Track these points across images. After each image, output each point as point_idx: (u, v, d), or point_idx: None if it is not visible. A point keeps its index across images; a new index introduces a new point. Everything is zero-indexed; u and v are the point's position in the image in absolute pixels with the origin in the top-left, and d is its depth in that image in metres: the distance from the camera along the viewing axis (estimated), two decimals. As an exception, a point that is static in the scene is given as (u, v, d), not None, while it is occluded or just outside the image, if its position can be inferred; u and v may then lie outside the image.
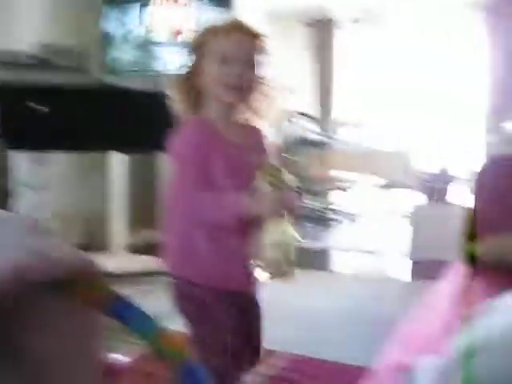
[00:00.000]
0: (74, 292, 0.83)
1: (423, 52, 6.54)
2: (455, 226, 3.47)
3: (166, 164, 4.96)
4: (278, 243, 1.36)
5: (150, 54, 3.25)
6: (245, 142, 1.43)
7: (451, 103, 6.64)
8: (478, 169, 1.81)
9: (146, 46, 3.23)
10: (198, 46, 1.43)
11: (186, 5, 3.21)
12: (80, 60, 3.06)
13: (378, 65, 6.43)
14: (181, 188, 1.39)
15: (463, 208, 1.81)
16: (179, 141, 1.41)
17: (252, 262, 1.43)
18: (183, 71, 1.47)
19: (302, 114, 5.64)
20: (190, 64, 1.45)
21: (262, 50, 1.44)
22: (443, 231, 3.81)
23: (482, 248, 1.53)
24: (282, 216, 1.34)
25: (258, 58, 1.43)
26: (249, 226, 1.36)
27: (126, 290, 2.91)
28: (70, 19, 4.00)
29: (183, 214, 1.41)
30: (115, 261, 3.82)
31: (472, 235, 1.72)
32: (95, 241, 4.21)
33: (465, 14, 6.61)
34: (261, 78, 1.45)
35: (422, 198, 4.36)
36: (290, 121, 5.41)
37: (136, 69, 3.11)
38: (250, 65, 1.40)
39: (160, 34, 3.27)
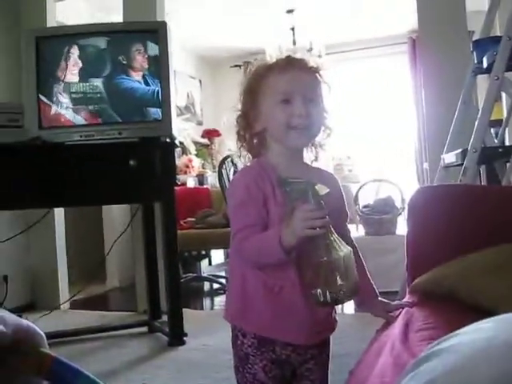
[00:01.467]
0: (10, 360, 0.81)
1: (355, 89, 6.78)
2: (396, 257, 3.57)
3: (107, 215, 5.00)
4: (331, 263, 1.13)
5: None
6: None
7: (389, 136, 6.90)
8: (410, 198, 1.84)
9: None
10: (252, 87, 1.32)
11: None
12: (15, 116, 3.00)
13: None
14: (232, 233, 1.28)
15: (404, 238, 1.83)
16: (230, 183, 1.36)
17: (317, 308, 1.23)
18: (236, 115, 1.35)
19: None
20: (244, 107, 1.34)
21: (323, 83, 1.32)
22: (384, 262, 3.88)
23: (420, 278, 1.55)
24: (319, 229, 1.12)
25: (320, 92, 1.31)
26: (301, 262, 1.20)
27: (71, 349, 2.83)
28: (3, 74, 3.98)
29: (237, 260, 1.32)
30: (61, 319, 3.74)
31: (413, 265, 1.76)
32: (40, 299, 4.14)
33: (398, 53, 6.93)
34: (326, 113, 1.33)
35: (361, 230, 4.42)
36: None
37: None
38: (314, 102, 1.28)
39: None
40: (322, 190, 1.15)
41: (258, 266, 1.26)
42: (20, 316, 0.89)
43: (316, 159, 1.38)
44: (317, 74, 1.30)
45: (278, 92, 1.27)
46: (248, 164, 1.36)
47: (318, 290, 1.14)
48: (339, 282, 1.13)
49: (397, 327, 1.30)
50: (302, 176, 1.25)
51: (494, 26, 2.95)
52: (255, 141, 1.34)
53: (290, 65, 1.28)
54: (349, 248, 1.17)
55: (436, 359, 0.61)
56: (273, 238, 1.17)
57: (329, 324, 1.33)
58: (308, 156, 1.37)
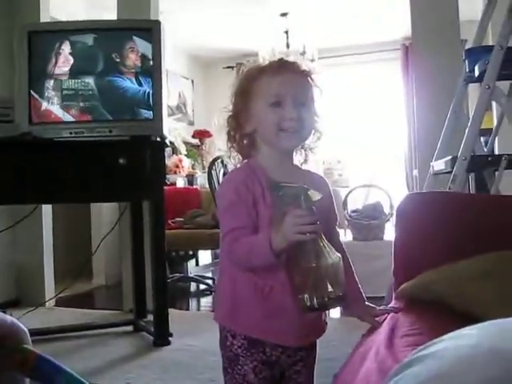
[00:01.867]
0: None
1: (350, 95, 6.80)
2: (384, 263, 3.58)
3: (96, 213, 4.98)
4: (320, 268, 1.13)
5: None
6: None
7: (380, 141, 6.93)
8: (399, 204, 1.84)
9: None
10: (244, 89, 1.32)
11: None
12: (6, 110, 2.99)
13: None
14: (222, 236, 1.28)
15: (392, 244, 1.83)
16: (220, 186, 1.36)
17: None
18: (227, 115, 1.35)
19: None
20: (235, 107, 1.34)
21: (314, 87, 1.31)
22: (371, 267, 3.89)
23: (407, 283, 1.56)
24: (309, 235, 1.12)
25: (312, 95, 1.30)
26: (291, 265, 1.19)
27: (56, 346, 2.82)
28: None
29: (227, 262, 1.31)
30: (46, 316, 3.72)
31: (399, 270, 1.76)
32: (26, 296, 4.12)
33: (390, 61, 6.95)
34: (317, 117, 1.33)
35: (349, 235, 4.43)
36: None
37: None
38: (305, 105, 1.28)
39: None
40: (315, 195, 1.15)
41: (248, 268, 1.25)
42: (4, 312, 0.89)
43: (305, 161, 1.38)
44: (309, 78, 1.30)
45: (269, 94, 1.27)
46: (238, 166, 1.36)
47: (306, 295, 1.14)
48: (327, 288, 1.13)
49: (382, 332, 1.30)
50: (293, 178, 1.26)
51: (486, 36, 2.96)
52: (245, 142, 1.34)
53: (283, 67, 1.28)
54: (338, 255, 1.16)
55: (420, 365, 0.61)
56: (263, 241, 1.17)
57: (318, 327, 1.34)
58: (297, 158, 1.38)
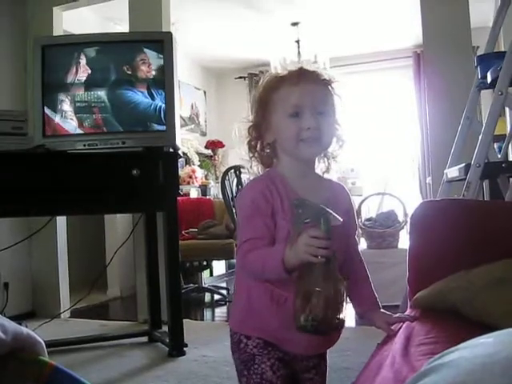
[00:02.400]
0: (9, 368, 0.80)
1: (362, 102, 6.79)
2: (398, 271, 3.56)
3: (110, 224, 5.01)
4: (323, 294, 1.12)
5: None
6: (323, 202, 1.19)
7: (393, 149, 6.91)
8: (413, 212, 1.84)
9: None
10: (263, 99, 1.32)
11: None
12: (19, 123, 3.02)
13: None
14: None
15: (406, 252, 1.82)
16: (239, 196, 1.36)
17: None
18: (248, 127, 1.35)
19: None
20: (256, 117, 1.34)
21: (335, 95, 1.32)
22: (386, 276, 3.87)
23: (422, 292, 1.55)
24: (320, 258, 1.11)
25: (332, 104, 1.31)
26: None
27: (71, 358, 2.82)
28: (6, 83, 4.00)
29: (243, 272, 1.32)
30: (61, 327, 3.74)
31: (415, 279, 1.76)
32: (41, 307, 4.15)
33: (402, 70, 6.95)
34: (338, 125, 1.34)
35: (363, 243, 4.42)
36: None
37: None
38: (324, 114, 1.28)
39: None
40: (335, 220, 1.14)
41: (260, 279, 1.26)
42: (20, 324, 0.89)
43: (327, 170, 1.38)
44: (329, 87, 1.31)
45: (288, 105, 1.27)
46: (258, 175, 1.36)
47: (302, 317, 1.13)
48: (326, 315, 1.12)
49: (398, 341, 1.29)
50: (313, 189, 1.28)
51: (498, 42, 2.95)
52: (267, 151, 1.35)
53: (302, 77, 1.28)
54: (344, 284, 1.16)
55: (436, 374, 0.61)
56: (276, 256, 1.17)
57: (333, 338, 1.33)
58: (320, 167, 1.38)
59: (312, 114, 1.25)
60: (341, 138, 1.36)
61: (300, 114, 1.26)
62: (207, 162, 6.64)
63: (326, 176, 1.39)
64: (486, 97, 3.24)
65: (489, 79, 2.55)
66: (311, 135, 1.26)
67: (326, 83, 1.30)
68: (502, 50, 3.32)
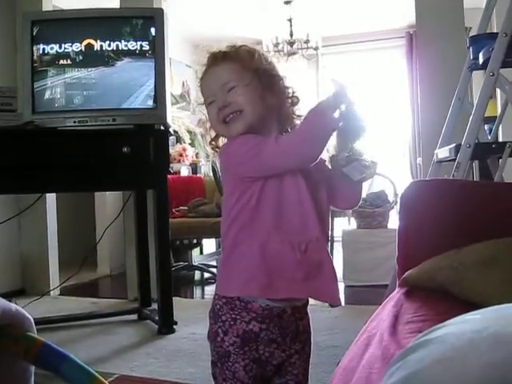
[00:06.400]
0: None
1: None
2: (388, 251, 3.58)
3: (100, 202, 4.99)
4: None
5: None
6: None
7: (384, 129, 6.90)
8: (403, 192, 1.84)
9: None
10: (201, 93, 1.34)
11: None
12: (9, 99, 2.99)
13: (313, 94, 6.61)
14: (231, 191, 1.25)
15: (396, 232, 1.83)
16: (223, 151, 1.31)
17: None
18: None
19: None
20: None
21: (239, 64, 1.27)
22: (375, 255, 3.89)
23: (411, 270, 1.56)
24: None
25: (241, 74, 1.26)
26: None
27: (61, 335, 2.83)
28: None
29: (249, 230, 1.23)
30: (51, 305, 3.74)
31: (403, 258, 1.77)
32: (30, 285, 4.15)
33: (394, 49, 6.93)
34: (271, 89, 1.29)
35: (353, 223, 4.43)
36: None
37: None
38: (236, 87, 1.25)
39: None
40: None
41: (297, 159, 1.23)
42: (9, 301, 0.89)
43: (286, 131, 1.34)
44: (233, 59, 1.28)
45: (205, 97, 1.31)
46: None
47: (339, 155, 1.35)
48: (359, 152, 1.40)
49: (386, 319, 1.30)
50: None
51: (490, 23, 2.94)
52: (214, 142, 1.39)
53: (208, 65, 1.31)
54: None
55: (423, 350, 0.61)
56: (315, 114, 1.22)
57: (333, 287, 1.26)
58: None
59: (223, 94, 1.26)
60: (286, 97, 1.32)
61: (215, 100, 1.27)
62: (198, 140, 6.61)
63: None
64: (478, 78, 3.24)
65: (480, 60, 2.55)
66: (226, 113, 1.25)
67: (223, 58, 1.29)
68: (495, 31, 3.31)
